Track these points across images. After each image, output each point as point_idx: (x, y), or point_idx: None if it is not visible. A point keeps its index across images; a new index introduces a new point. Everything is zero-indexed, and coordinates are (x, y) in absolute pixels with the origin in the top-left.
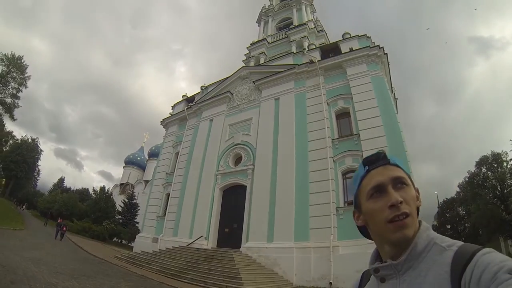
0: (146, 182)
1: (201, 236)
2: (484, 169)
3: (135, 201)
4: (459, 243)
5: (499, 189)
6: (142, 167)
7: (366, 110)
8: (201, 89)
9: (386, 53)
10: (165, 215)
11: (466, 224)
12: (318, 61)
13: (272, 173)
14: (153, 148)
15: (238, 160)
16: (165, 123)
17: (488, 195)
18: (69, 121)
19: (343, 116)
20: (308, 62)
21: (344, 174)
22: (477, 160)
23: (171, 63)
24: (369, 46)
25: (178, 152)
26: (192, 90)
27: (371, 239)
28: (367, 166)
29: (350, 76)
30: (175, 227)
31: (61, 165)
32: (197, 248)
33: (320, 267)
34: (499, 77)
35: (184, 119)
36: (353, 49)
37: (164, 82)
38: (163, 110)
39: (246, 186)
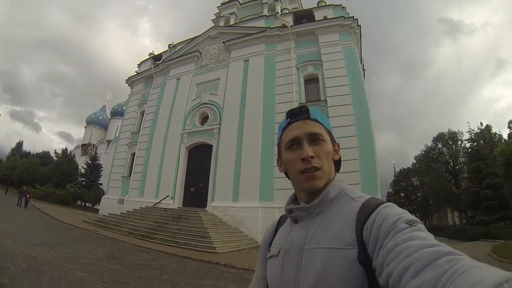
0: (109, 142)
1: (167, 196)
2: (440, 145)
3: (98, 162)
4: (367, 196)
5: (451, 164)
6: (104, 127)
7: (335, 78)
8: (169, 47)
9: (360, 25)
10: (130, 175)
11: (418, 194)
12: (290, 26)
13: (239, 133)
14: (116, 106)
15: (204, 119)
16: (131, 81)
17: (441, 169)
18: (25, 81)
19: (311, 81)
20: (281, 26)
21: None
22: (435, 136)
23: (135, 20)
24: (344, 16)
25: (144, 111)
26: (157, 48)
27: None
28: (289, 119)
29: (322, 44)
30: (141, 187)
31: (17, 128)
32: (164, 208)
33: None
34: (463, 61)
35: (150, 77)
36: (328, 17)
37: (128, 40)
38: (126, 68)
39: (212, 146)
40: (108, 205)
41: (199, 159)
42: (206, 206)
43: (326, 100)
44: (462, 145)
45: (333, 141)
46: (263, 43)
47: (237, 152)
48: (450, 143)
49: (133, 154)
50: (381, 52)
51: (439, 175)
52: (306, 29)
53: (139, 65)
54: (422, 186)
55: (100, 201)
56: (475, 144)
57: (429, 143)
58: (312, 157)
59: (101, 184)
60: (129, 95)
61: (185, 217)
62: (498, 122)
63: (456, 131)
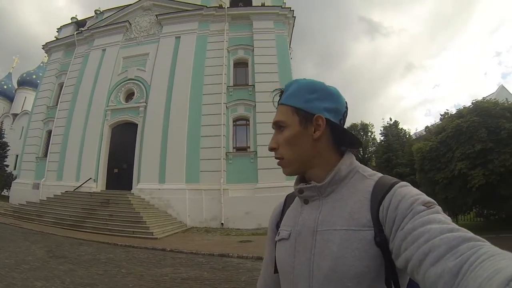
0: (15, 115)
1: (90, 179)
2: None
3: (4, 139)
4: (379, 174)
5: (361, 153)
6: (9, 98)
7: (265, 65)
8: (95, 13)
9: (295, 16)
10: (46, 156)
11: None
12: (227, 7)
13: (165, 112)
14: (25, 75)
15: (130, 96)
16: (48, 47)
17: None
18: None
19: (240, 65)
20: (217, 6)
21: (235, 121)
22: (348, 126)
23: None
24: (281, 6)
25: (63, 83)
26: (80, 13)
27: None
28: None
29: (255, 30)
30: (59, 169)
31: None
32: (89, 192)
33: (211, 209)
34: (377, 60)
35: (72, 45)
36: (265, 4)
37: None
38: (39, 31)
39: (137, 125)
40: (20, 191)
41: (123, 139)
42: (132, 189)
43: (254, 85)
44: (372, 136)
45: (308, 117)
46: (197, 22)
47: (163, 132)
48: (362, 133)
49: (50, 132)
50: (300, 37)
51: None
52: (242, 13)
53: (59, 30)
54: None
55: (9, 186)
56: (386, 138)
57: None
58: (273, 148)
59: (7, 166)
60: (45, 64)
61: (113, 201)
62: (402, 118)
63: (368, 123)
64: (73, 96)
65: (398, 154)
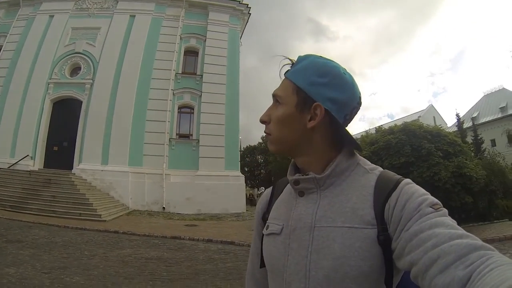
0: None
1: (27, 155)
2: None
3: None
4: (380, 168)
5: None
6: None
7: (215, 56)
8: None
9: (250, 13)
10: None
11: (262, 170)
12: None
13: (112, 92)
14: None
15: (75, 70)
16: None
17: (284, 158)
18: None
19: (190, 54)
20: None
21: (180, 108)
22: None
23: None
24: (239, 1)
25: (1, 46)
26: None
27: None
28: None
29: (210, 21)
30: None
31: None
32: (27, 170)
33: (153, 193)
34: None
35: (15, 4)
36: None
37: None
38: None
39: (82, 102)
40: None
41: (65, 115)
42: (72, 168)
43: (202, 75)
44: None
45: (308, 102)
46: (154, 3)
47: (109, 112)
48: None
49: None
50: (247, 28)
51: (283, 157)
52: (200, 2)
53: None
54: (266, 164)
55: None
56: None
57: None
58: (264, 121)
59: None
60: None
61: (55, 181)
62: None
63: None
64: (11, 63)
65: None
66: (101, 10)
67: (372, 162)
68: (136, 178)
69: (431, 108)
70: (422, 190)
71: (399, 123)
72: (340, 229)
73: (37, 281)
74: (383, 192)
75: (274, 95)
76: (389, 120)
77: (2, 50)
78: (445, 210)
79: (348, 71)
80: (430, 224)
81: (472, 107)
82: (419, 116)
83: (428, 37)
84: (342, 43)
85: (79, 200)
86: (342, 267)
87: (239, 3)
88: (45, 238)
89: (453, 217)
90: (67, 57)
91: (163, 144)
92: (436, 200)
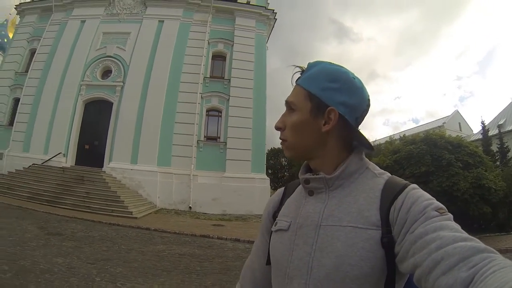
0: None
1: (60, 153)
2: None
3: None
4: (388, 173)
5: None
6: None
7: (243, 61)
8: None
9: (276, 19)
10: (11, 124)
11: (285, 173)
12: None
13: (142, 95)
14: None
15: (106, 73)
16: (22, 9)
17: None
18: None
19: (218, 58)
20: None
21: (208, 111)
22: None
23: None
24: (265, 7)
25: (35, 49)
26: None
27: None
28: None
29: (237, 26)
30: (26, 140)
31: None
32: (60, 167)
33: (180, 193)
34: (343, 64)
35: (48, 10)
36: (250, 3)
37: None
38: None
39: (112, 103)
40: None
41: (97, 116)
42: (103, 167)
43: (230, 79)
44: None
45: (321, 107)
46: (182, 8)
47: (139, 114)
48: None
49: (16, 99)
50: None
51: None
52: (226, 7)
53: None
54: (290, 167)
55: None
56: None
57: None
58: (279, 128)
59: None
60: (16, 25)
61: (88, 178)
62: (361, 124)
63: None
64: (45, 65)
65: None
66: (130, 16)
67: (394, 171)
68: (164, 178)
69: (457, 114)
70: (428, 195)
71: (423, 129)
72: (344, 228)
73: (84, 271)
74: (390, 195)
75: (287, 102)
76: (414, 125)
77: (36, 53)
78: (450, 215)
79: (357, 75)
80: (435, 227)
81: (499, 113)
82: (444, 123)
83: (454, 38)
84: (365, 45)
85: (111, 197)
86: (343, 266)
87: (265, 8)
88: (83, 232)
89: (472, 227)
90: (99, 60)
91: (191, 146)
92: (441, 205)
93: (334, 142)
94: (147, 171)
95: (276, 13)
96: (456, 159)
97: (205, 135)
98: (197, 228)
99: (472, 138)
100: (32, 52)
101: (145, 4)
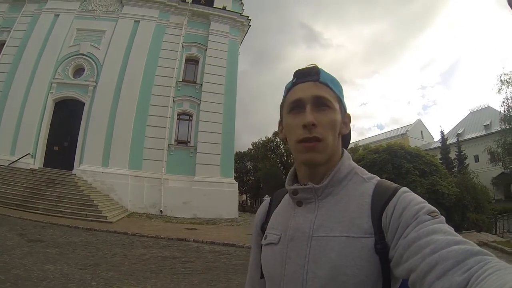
0: None
1: (28, 154)
2: (278, 139)
3: None
4: (377, 177)
5: (285, 158)
6: None
7: (215, 66)
8: None
9: (250, 25)
10: None
11: (250, 177)
12: (190, 2)
13: (115, 96)
14: None
15: (78, 71)
16: None
17: (275, 160)
18: None
19: (191, 62)
20: None
21: (179, 115)
22: (276, 130)
23: None
24: (240, 13)
25: (4, 41)
26: None
27: None
28: (295, 79)
29: (212, 31)
30: None
31: None
32: (30, 169)
33: (152, 196)
34: None
35: (20, 0)
36: (226, 8)
37: None
38: None
39: (84, 103)
40: None
41: (67, 116)
42: (73, 169)
43: (202, 84)
44: None
45: (343, 111)
46: (158, 10)
47: (111, 116)
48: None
49: None
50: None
51: (272, 164)
52: (202, 11)
53: None
54: (255, 170)
55: None
56: None
57: (269, 135)
58: (314, 124)
59: None
60: None
61: (59, 181)
62: None
63: None
64: (14, 59)
65: None
66: (106, 13)
67: None
68: (136, 181)
69: (419, 122)
70: (420, 198)
71: (387, 136)
72: (337, 239)
73: (78, 276)
74: (381, 201)
75: (320, 97)
76: (379, 131)
77: (5, 46)
78: (442, 218)
79: None
80: (428, 230)
81: (459, 123)
82: (407, 131)
83: (421, 49)
84: (334, 51)
85: (84, 201)
86: (339, 277)
87: (240, 15)
88: (63, 238)
89: None
90: (71, 57)
91: (162, 150)
92: (433, 208)
93: (338, 144)
94: (118, 174)
95: (250, 19)
96: (414, 167)
97: (176, 139)
98: (171, 231)
99: (433, 146)
100: (1, 44)
101: (121, 2)
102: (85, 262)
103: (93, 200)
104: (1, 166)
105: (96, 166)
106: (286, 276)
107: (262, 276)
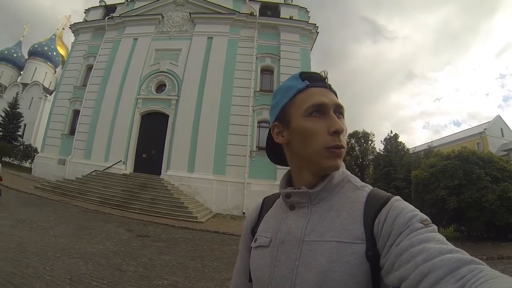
0: (24, 85)
1: (120, 161)
2: (353, 141)
3: (18, 109)
4: (370, 186)
5: (360, 160)
6: (18, 67)
7: (289, 76)
8: (126, 1)
9: (318, 32)
10: (72, 134)
11: None
12: (258, 15)
13: (197, 108)
14: (36, 46)
15: (160, 87)
16: (76, 28)
17: (351, 162)
18: None
19: (266, 72)
20: (249, 13)
21: (259, 123)
22: (350, 132)
23: None
24: (307, 21)
25: (91, 65)
26: None
27: (278, 163)
28: (306, 81)
29: (282, 40)
30: (87, 148)
31: None
32: (123, 174)
33: (234, 199)
34: (378, 64)
35: (101, 29)
36: (293, 18)
37: None
38: (51, 3)
39: (168, 115)
40: (44, 165)
41: (153, 126)
42: (160, 174)
43: None
44: (372, 145)
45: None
46: (228, 25)
47: (194, 126)
48: (362, 141)
49: (76, 111)
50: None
51: (348, 167)
52: (271, 23)
53: (87, 11)
54: None
55: (28, 158)
56: (388, 153)
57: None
58: (341, 132)
59: (20, 136)
60: (72, 43)
61: (150, 185)
62: (400, 127)
63: (369, 132)
64: (102, 80)
65: (397, 169)
66: (180, 33)
67: (430, 183)
68: (220, 185)
69: (498, 119)
70: (412, 207)
71: (463, 135)
72: (328, 244)
73: (191, 265)
74: (373, 208)
75: (341, 106)
76: (455, 128)
77: (93, 69)
78: (435, 226)
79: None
80: (420, 239)
81: None
82: (485, 129)
83: (494, 33)
84: (401, 43)
85: (175, 202)
86: (327, 282)
87: (307, 23)
88: (165, 235)
89: (498, 235)
90: (153, 75)
91: (245, 156)
92: (425, 216)
93: None
94: (203, 179)
95: (318, 26)
96: (485, 173)
97: (257, 145)
98: None
99: None
100: (89, 68)
101: (193, 21)
102: (191, 254)
103: (183, 202)
104: (98, 171)
105: (182, 171)
106: (274, 279)
107: (250, 280)
